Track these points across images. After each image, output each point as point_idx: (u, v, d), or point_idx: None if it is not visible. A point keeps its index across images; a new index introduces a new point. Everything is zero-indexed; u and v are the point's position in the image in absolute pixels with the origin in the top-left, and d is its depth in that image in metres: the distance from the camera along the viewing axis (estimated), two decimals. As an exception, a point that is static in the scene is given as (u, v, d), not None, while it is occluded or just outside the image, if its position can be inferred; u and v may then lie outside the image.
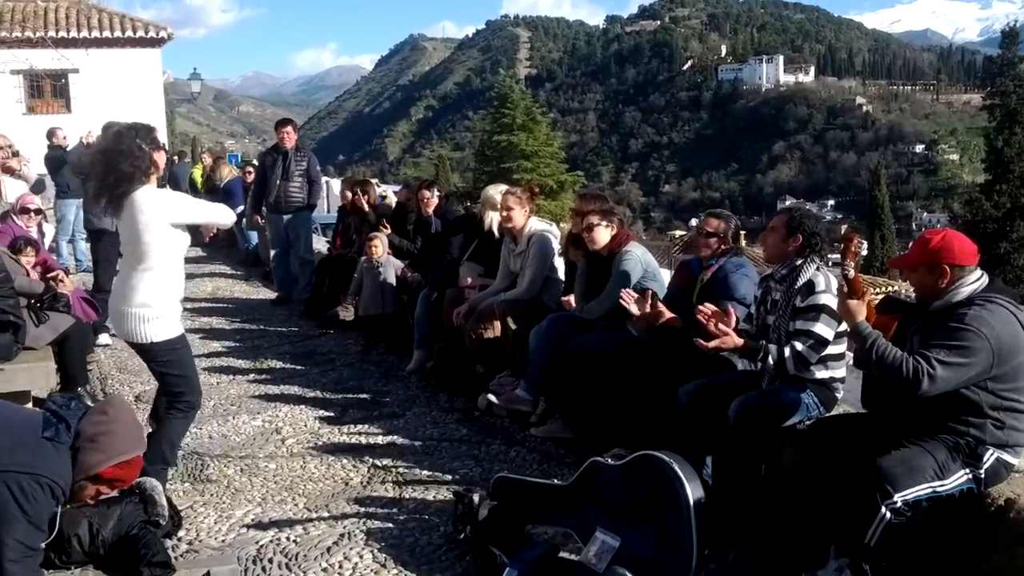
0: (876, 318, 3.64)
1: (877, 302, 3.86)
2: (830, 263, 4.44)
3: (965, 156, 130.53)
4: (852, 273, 3.54)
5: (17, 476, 3.15)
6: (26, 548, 3.16)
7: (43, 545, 3.37)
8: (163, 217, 4.33)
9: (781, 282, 4.31)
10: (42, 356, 5.81)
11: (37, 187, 8.51)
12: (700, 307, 4.37)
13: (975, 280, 3.46)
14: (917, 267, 3.53)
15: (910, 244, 3.89)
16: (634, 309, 4.95)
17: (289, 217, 10.04)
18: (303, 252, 10.22)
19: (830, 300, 4.07)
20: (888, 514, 3.21)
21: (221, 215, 4.88)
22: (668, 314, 4.95)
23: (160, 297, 4.38)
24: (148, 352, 4.46)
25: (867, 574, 3.31)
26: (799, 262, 4.25)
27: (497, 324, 6.35)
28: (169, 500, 4.27)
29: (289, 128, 10.06)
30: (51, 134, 13.27)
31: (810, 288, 4.15)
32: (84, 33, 25.37)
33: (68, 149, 12.85)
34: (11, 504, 3.13)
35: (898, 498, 3.21)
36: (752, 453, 4.08)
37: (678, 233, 37.89)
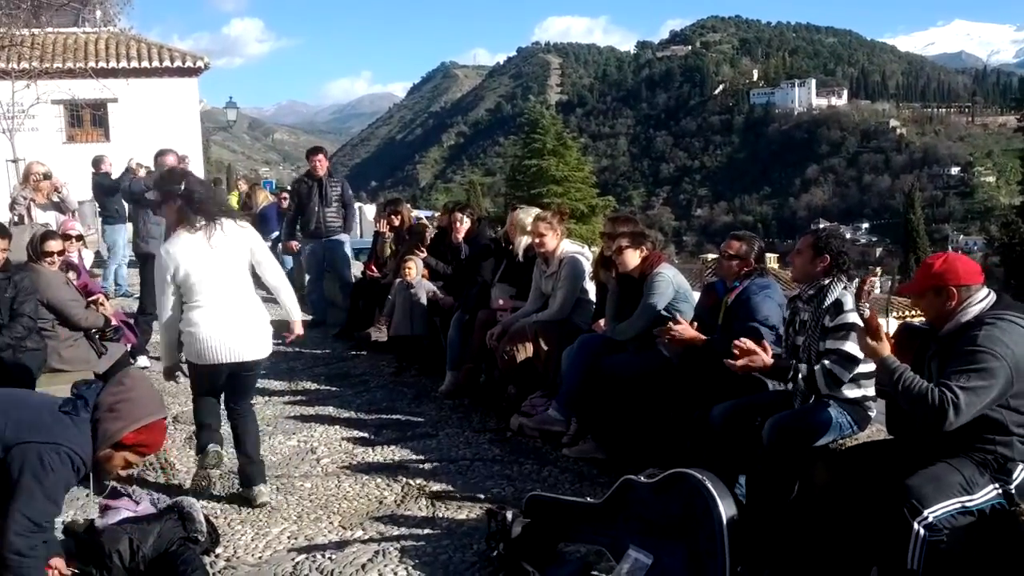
0: (893, 347, 3.64)
1: (893, 333, 3.86)
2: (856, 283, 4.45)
3: (1001, 178, 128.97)
4: (867, 312, 3.58)
5: (36, 447, 3.18)
6: (33, 524, 3.16)
7: (57, 522, 3.42)
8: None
9: (809, 302, 4.32)
10: (84, 378, 5.91)
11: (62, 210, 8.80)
12: (736, 343, 4.35)
13: (983, 298, 3.48)
14: (924, 292, 3.56)
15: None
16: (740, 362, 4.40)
17: (328, 242, 10.19)
18: (343, 275, 10.34)
19: (858, 319, 4.08)
20: (922, 531, 3.21)
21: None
22: (692, 332, 4.99)
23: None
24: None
25: None
26: (826, 282, 4.27)
27: (529, 345, 6.40)
28: (207, 518, 4.35)
29: (321, 156, 10.26)
30: (98, 162, 13.62)
31: (838, 307, 4.16)
32: (123, 63, 25.83)
33: (114, 177, 13.18)
34: (27, 475, 3.15)
35: (928, 514, 3.21)
36: (786, 472, 4.08)
37: (710, 257, 37.71)
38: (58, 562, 3.46)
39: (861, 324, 3.95)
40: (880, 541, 3.44)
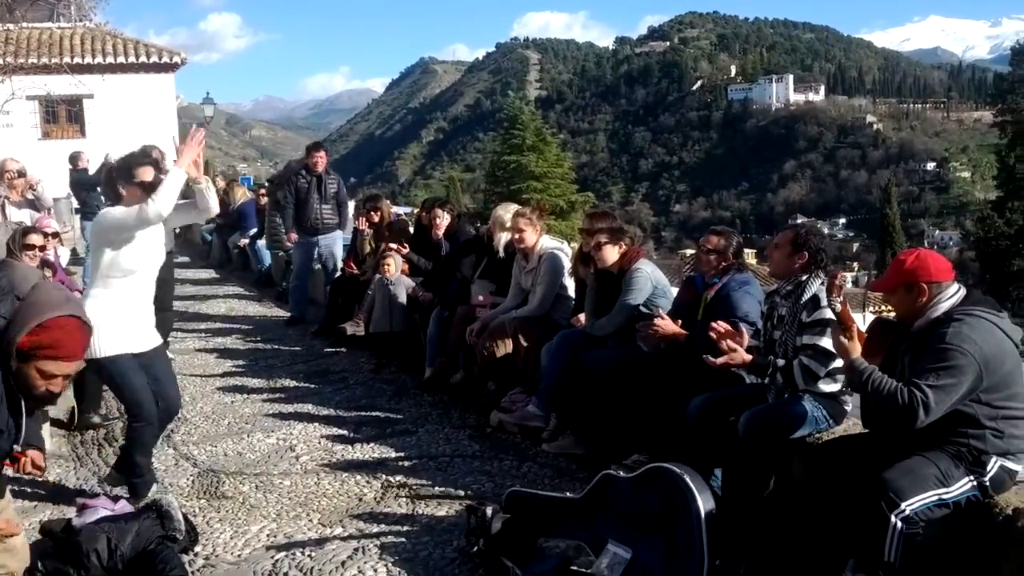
0: (866, 342, 3.67)
1: (867, 327, 3.89)
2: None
3: (977, 173, 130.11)
4: (839, 307, 3.59)
5: None
6: None
7: (34, 520, 3.36)
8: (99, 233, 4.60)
9: (787, 297, 4.36)
10: None
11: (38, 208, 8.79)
12: (713, 324, 4.40)
13: (952, 295, 3.52)
14: (896, 289, 3.59)
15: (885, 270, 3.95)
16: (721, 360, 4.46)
17: (324, 238, 10.20)
18: (332, 272, 10.32)
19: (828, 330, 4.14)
20: (899, 524, 3.24)
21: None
22: (672, 327, 5.01)
23: (105, 311, 4.48)
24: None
25: None
26: (804, 277, 4.31)
27: (509, 341, 6.41)
28: (185, 516, 4.33)
29: (321, 152, 10.22)
30: (76, 158, 13.55)
31: (815, 303, 4.20)
32: (99, 59, 25.65)
33: (91, 172, 13.12)
34: None
35: (905, 507, 3.24)
36: (762, 466, 4.12)
37: (689, 252, 37.82)
38: (34, 453, 3.48)
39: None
40: (857, 534, 3.47)
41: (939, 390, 3.29)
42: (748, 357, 4.31)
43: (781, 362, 4.21)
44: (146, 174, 4.63)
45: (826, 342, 4.11)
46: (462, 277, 7.62)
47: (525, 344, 6.36)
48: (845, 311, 3.57)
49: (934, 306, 3.51)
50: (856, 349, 3.53)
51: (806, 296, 4.24)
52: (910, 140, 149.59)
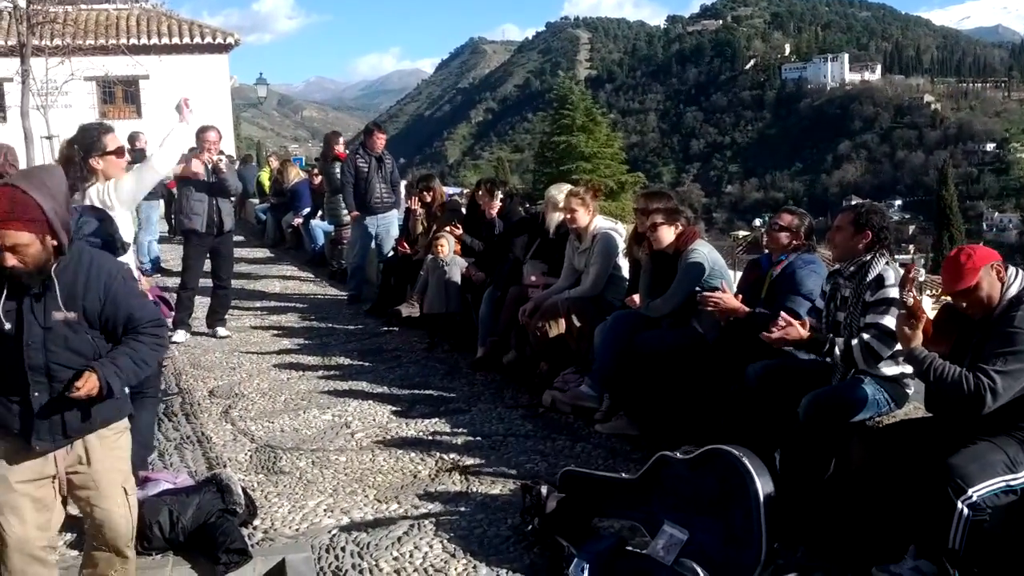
0: (934, 331, 3.60)
1: (935, 315, 3.81)
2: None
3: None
4: (912, 301, 3.51)
5: None
6: None
7: None
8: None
9: (850, 279, 4.28)
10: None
11: None
12: (776, 322, 4.31)
13: (1016, 278, 3.48)
14: (977, 284, 3.48)
15: (942, 278, 3.82)
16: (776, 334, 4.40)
17: (381, 218, 10.32)
18: (385, 251, 10.41)
19: (899, 294, 4.05)
20: (965, 510, 3.19)
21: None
22: (734, 302, 4.95)
23: None
24: None
25: None
26: (868, 257, 4.22)
27: (562, 321, 6.40)
28: (244, 490, 4.41)
29: (380, 133, 10.37)
30: (133, 139, 13.79)
31: (880, 282, 4.12)
32: (155, 40, 25.99)
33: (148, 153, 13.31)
34: None
35: (973, 492, 3.19)
36: (822, 448, 4.07)
37: (741, 234, 37.48)
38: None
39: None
40: (919, 519, 3.42)
41: (1007, 375, 3.23)
42: (805, 332, 4.22)
43: (841, 341, 4.13)
44: (115, 140, 4.55)
45: (889, 321, 4.03)
46: (514, 257, 7.62)
47: (578, 324, 6.35)
48: (917, 304, 3.50)
49: (1003, 295, 3.46)
50: (918, 338, 3.47)
51: (871, 276, 4.16)
52: (969, 120, 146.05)
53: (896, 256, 4.42)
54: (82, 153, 4.40)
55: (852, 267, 4.28)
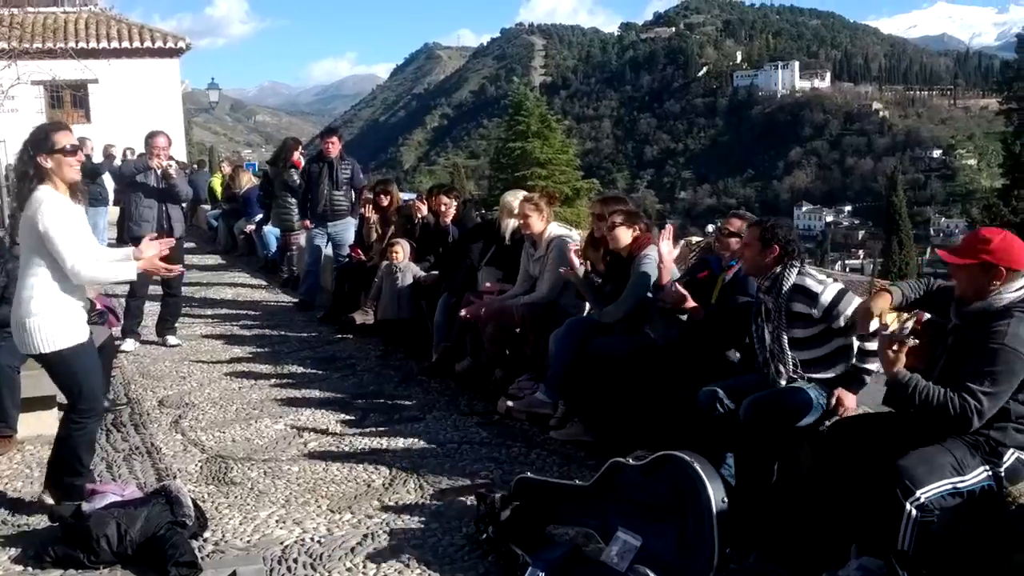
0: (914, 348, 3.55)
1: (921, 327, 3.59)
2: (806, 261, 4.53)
3: (983, 161, 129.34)
4: (912, 342, 3.41)
5: None
6: None
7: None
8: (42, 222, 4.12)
9: (768, 292, 4.38)
10: (68, 361, 5.86)
11: None
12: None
13: (1019, 288, 3.39)
14: (970, 265, 3.43)
15: (961, 238, 3.73)
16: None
17: (334, 224, 10.20)
18: (341, 258, 10.31)
19: (833, 289, 4.25)
20: (914, 512, 3.23)
21: (86, 264, 4.19)
22: (691, 302, 5.02)
23: (48, 304, 4.19)
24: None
25: None
26: (778, 270, 4.34)
27: (517, 320, 6.40)
28: (195, 502, 4.34)
29: (333, 138, 10.25)
30: (80, 144, 13.50)
31: (808, 294, 4.24)
32: (104, 44, 25.61)
33: (94, 160, 13.19)
34: None
35: (920, 495, 3.23)
36: (766, 452, 4.12)
37: (694, 239, 37.77)
38: None
39: (842, 288, 4.05)
40: (864, 520, 3.47)
41: (993, 397, 3.25)
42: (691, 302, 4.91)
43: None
44: (65, 138, 4.30)
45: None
46: (469, 264, 7.61)
47: (532, 331, 6.35)
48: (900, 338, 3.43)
49: (999, 294, 3.40)
50: (901, 362, 3.42)
51: (786, 287, 4.28)
52: (916, 127, 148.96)
53: (846, 262, 4.49)
54: (31, 151, 4.26)
55: (768, 281, 4.39)
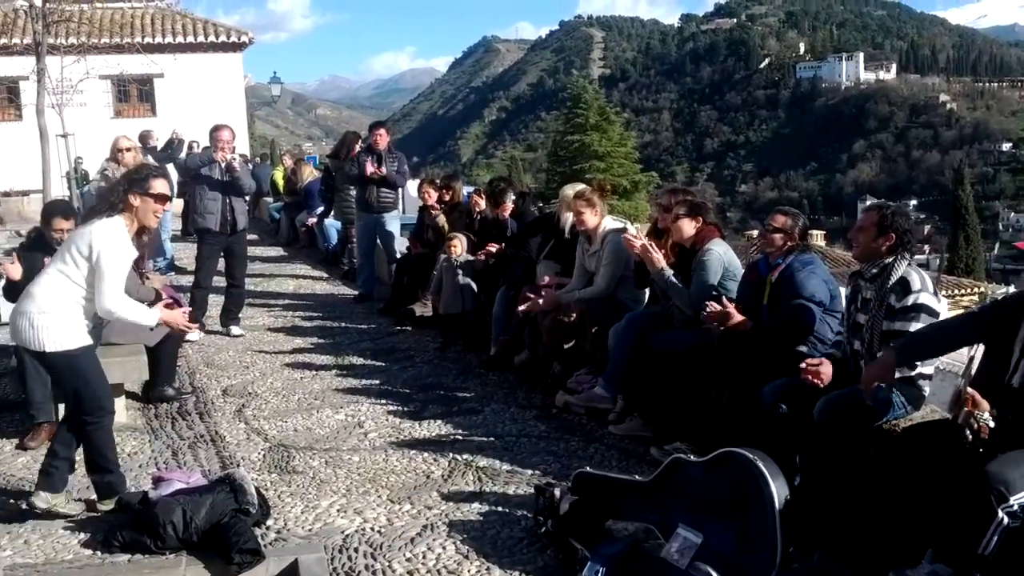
0: None
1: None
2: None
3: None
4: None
5: None
6: None
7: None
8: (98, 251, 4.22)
9: (872, 280, 4.24)
10: (134, 351, 6.01)
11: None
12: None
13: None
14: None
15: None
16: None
17: (379, 216, 10.27)
18: (391, 251, 10.40)
19: (927, 299, 4.04)
20: (1005, 518, 3.14)
21: (126, 309, 4.35)
22: (737, 317, 4.95)
23: (62, 307, 4.28)
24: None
25: None
26: (889, 260, 4.18)
27: (575, 315, 6.38)
28: (258, 490, 4.41)
29: (382, 130, 10.32)
30: (146, 137, 13.93)
31: (905, 287, 4.08)
32: (169, 39, 26.07)
33: (159, 150, 13.51)
34: None
35: (1014, 501, 3.14)
36: (839, 452, 4.03)
37: (755, 233, 37.23)
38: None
39: (933, 305, 3.92)
40: (937, 524, 3.38)
41: None
42: (740, 317, 4.91)
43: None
44: (162, 186, 4.46)
45: (917, 328, 4.01)
46: (528, 257, 7.60)
47: (591, 325, 6.33)
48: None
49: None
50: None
51: (893, 279, 4.12)
52: (985, 120, 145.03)
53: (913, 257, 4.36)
54: (126, 185, 4.43)
55: (874, 269, 4.24)
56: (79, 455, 4.51)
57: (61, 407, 5.27)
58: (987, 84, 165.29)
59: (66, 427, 4.53)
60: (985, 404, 3.44)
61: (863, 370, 4.13)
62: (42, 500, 4.36)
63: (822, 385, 4.12)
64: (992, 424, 3.41)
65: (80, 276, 4.25)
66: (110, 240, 4.23)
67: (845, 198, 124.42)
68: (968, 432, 3.44)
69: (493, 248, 7.98)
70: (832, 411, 4.02)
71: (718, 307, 5.02)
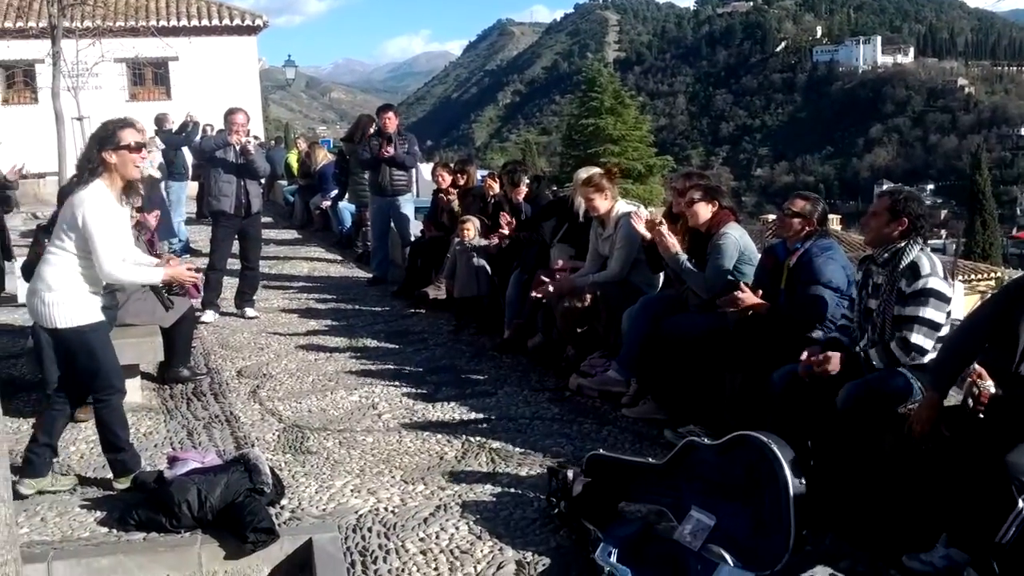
0: None
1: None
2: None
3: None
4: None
5: None
6: None
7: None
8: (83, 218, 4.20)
9: (884, 265, 4.21)
10: (150, 332, 6.03)
11: None
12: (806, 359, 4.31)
13: None
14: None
15: None
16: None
17: (393, 199, 10.26)
18: (405, 233, 10.41)
19: (937, 283, 4.00)
20: None
21: (117, 269, 4.30)
22: (753, 299, 4.93)
23: (69, 282, 4.28)
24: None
25: (996, 573, 3.23)
26: (901, 244, 4.15)
27: (589, 298, 6.37)
28: (272, 470, 4.43)
29: (391, 113, 10.28)
30: (161, 119, 13.95)
31: (915, 271, 4.05)
32: (184, 22, 26.10)
33: (174, 133, 13.56)
34: None
35: None
36: (858, 438, 4.00)
37: (771, 217, 37.03)
38: None
39: (943, 290, 3.88)
40: (953, 510, 3.37)
41: None
42: (755, 299, 4.88)
43: (874, 352, 4.12)
44: (131, 135, 4.36)
45: (930, 313, 3.99)
46: (541, 240, 7.59)
47: (604, 309, 6.32)
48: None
49: None
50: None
51: (904, 263, 4.09)
52: (1004, 104, 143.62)
53: (928, 242, 4.32)
54: (97, 146, 4.37)
55: (886, 254, 4.20)
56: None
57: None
58: (1006, 68, 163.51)
59: (49, 413, 4.56)
60: (988, 379, 3.45)
61: (871, 361, 4.12)
62: (26, 487, 4.42)
63: (829, 375, 4.12)
64: (992, 390, 3.41)
65: (75, 247, 4.25)
66: (92, 204, 4.21)
67: (861, 183, 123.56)
68: (970, 400, 3.47)
69: (505, 221, 7.94)
70: (857, 399, 3.98)
71: (740, 296, 4.97)
